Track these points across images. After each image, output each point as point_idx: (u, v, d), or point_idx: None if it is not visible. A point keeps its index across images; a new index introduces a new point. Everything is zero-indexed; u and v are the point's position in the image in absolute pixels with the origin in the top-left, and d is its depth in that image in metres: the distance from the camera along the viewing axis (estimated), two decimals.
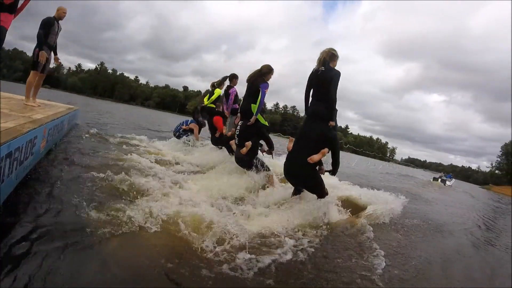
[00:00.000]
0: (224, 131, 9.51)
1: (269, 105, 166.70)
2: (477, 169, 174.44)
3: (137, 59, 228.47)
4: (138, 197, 5.00)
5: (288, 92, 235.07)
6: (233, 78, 9.56)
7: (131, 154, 7.95)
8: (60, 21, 8.38)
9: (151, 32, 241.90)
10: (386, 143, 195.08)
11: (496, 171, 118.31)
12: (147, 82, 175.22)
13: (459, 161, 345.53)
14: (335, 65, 5.42)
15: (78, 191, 4.74)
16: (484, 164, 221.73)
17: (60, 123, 7.87)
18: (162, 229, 4.01)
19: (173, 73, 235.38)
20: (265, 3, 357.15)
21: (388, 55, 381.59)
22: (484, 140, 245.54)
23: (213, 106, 10.15)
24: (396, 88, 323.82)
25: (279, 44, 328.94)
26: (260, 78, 6.93)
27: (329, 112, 5.09)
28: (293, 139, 5.55)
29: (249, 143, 6.66)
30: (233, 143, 7.55)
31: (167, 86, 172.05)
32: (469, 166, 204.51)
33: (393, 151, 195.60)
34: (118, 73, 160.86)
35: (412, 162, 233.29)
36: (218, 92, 10.10)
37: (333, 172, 5.59)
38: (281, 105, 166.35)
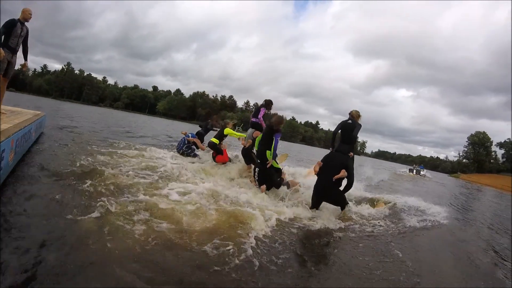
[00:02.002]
0: (243, 142, 10.28)
1: (240, 103, 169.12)
2: (445, 158, 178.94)
3: (105, 58, 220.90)
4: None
5: (259, 91, 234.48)
6: (270, 104, 10.30)
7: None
8: (26, 23, 7.97)
9: (120, 30, 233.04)
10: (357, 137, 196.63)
11: (464, 160, 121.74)
12: (115, 83, 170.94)
13: (427, 152, 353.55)
14: (358, 121, 7.42)
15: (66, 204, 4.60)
16: (452, 154, 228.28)
17: (28, 131, 7.47)
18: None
19: (142, 72, 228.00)
20: (236, 2, 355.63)
21: (358, 53, 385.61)
22: (451, 132, 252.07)
23: (217, 142, 10.41)
24: (365, 84, 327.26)
25: (250, 42, 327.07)
26: (274, 128, 8.01)
27: (350, 148, 7.26)
28: (320, 162, 7.23)
29: (263, 187, 7.83)
30: (253, 180, 8.43)
31: (136, 87, 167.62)
32: (437, 157, 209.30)
33: (363, 144, 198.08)
34: (85, 74, 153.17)
35: (382, 155, 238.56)
36: (227, 131, 10.44)
37: (345, 189, 7.05)
38: (251, 103, 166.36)
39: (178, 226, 4.47)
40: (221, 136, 10.36)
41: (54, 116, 21.40)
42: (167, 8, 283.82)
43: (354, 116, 7.43)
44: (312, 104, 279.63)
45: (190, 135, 12.19)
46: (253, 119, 10.04)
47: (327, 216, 6.68)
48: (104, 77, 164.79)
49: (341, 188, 7.11)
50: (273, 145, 7.84)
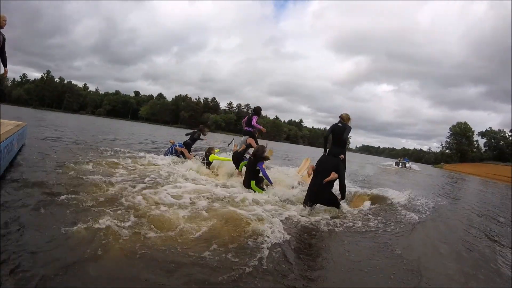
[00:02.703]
0: (235, 147, 10.81)
1: (223, 104, 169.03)
2: (428, 150, 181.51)
3: (85, 65, 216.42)
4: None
5: (241, 91, 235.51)
6: (260, 110, 10.86)
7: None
8: (1, 30, 7.74)
9: (99, 36, 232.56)
10: None
11: (447, 151, 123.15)
12: (96, 89, 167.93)
13: (411, 144, 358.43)
14: (348, 123, 7.59)
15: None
16: (435, 145, 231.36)
17: (10, 143, 7.21)
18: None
19: (123, 78, 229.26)
20: (216, 3, 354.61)
21: (338, 50, 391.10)
22: (432, 124, 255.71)
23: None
24: (346, 81, 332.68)
25: (231, 43, 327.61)
26: (258, 157, 8.25)
27: (342, 151, 7.38)
28: (313, 166, 7.54)
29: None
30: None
31: (117, 92, 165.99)
32: (420, 148, 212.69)
33: (347, 140, 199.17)
34: (65, 82, 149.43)
35: (367, 149, 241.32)
36: (212, 157, 10.58)
37: (342, 196, 7.34)
38: (234, 104, 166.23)
39: (173, 233, 4.43)
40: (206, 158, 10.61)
41: (36, 126, 20.83)
42: (146, 12, 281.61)
43: (345, 119, 7.59)
44: (294, 102, 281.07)
45: (177, 144, 12.23)
46: (246, 128, 10.44)
47: (321, 214, 6.74)
48: (85, 84, 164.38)
49: (337, 186, 7.32)
50: (259, 175, 8.21)
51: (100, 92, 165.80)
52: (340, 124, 7.51)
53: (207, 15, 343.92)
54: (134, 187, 6.55)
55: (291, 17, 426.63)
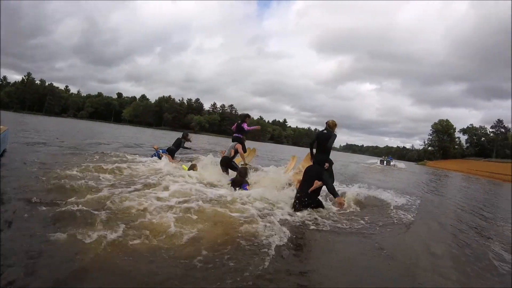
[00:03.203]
0: (222, 153, 10.76)
1: (207, 105, 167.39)
2: (411, 148, 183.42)
3: (66, 66, 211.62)
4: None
5: (225, 91, 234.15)
6: (248, 117, 11.01)
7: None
8: None
9: (81, 36, 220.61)
10: None
11: (429, 148, 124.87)
12: (78, 91, 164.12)
13: (394, 142, 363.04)
14: (334, 130, 7.59)
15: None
16: (417, 143, 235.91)
17: None
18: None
19: (105, 79, 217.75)
20: (198, 2, 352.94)
21: (321, 50, 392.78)
22: (415, 121, 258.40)
23: None
24: (330, 80, 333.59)
25: (214, 43, 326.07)
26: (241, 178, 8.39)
27: (326, 158, 7.40)
28: (298, 172, 8.10)
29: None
30: None
31: (100, 94, 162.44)
32: (403, 146, 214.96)
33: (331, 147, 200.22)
34: (47, 84, 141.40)
35: (350, 148, 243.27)
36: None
37: (334, 196, 7.00)
38: (218, 105, 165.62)
39: (162, 238, 4.33)
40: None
41: (18, 130, 20.25)
42: (129, 11, 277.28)
43: (331, 126, 7.61)
44: (278, 102, 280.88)
45: (161, 151, 12.20)
46: (236, 134, 10.62)
47: (310, 215, 6.70)
48: (67, 86, 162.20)
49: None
50: None
51: (82, 94, 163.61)
52: (325, 131, 7.57)
53: (190, 15, 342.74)
54: (121, 191, 6.37)
55: (275, 16, 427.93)
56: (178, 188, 7.00)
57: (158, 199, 6.07)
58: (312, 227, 5.97)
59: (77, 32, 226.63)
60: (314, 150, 7.73)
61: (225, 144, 41.79)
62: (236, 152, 9.89)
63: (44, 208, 4.86)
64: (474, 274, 4.72)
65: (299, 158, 10.39)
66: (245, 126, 10.47)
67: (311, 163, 7.66)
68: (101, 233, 4.04)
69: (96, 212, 4.81)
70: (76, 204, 5.04)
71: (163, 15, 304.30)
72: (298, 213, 6.65)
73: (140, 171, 9.06)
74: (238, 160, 10.71)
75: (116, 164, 9.46)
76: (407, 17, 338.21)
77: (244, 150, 10.36)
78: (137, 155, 12.49)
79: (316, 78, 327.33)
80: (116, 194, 5.99)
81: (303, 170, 7.88)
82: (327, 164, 7.35)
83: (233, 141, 10.49)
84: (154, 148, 12.44)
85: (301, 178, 7.57)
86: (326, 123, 7.71)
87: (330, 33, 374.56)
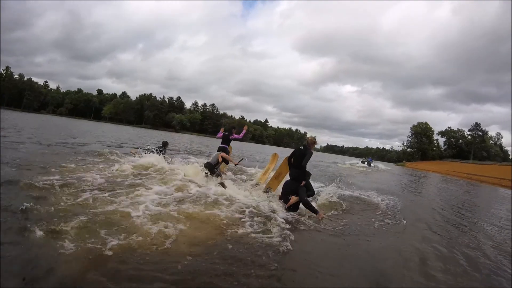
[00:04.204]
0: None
1: (188, 104, 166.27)
2: (390, 149, 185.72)
3: (46, 61, 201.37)
4: None
5: (207, 90, 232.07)
6: (233, 129, 11.47)
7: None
8: None
9: (63, 31, 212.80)
10: (305, 133, 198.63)
11: (408, 149, 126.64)
12: (58, 87, 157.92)
13: (374, 143, 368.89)
14: (313, 148, 7.71)
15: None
16: (397, 144, 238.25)
17: None
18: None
19: (86, 75, 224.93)
20: (183, 1, 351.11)
21: (304, 51, 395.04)
22: (394, 123, 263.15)
23: None
24: (312, 81, 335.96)
25: (198, 41, 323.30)
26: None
27: (301, 174, 7.48)
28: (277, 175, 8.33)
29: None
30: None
31: (80, 90, 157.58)
32: (383, 147, 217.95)
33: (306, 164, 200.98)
34: (25, 78, 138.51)
35: (331, 149, 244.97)
36: None
37: (312, 211, 7.13)
38: (200, 104, 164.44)
39: (147, 241, 4.20)
40: None
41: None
42: (112, 6, 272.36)
43: (309, 143, 7.69)
44: (260, 102, 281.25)
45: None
46: (222, 145, 11.03)
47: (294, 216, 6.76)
48: (46, 82, 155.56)
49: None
50: None
51: (62, 90, 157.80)
52: (302, 148, 7.70)
53: (174, 12, 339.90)
54: (104, 192, 6.19)
55: (259, 16, 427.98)
56: (164, 189, 6.97)
57: (144, 200, 5.92)
58: (296, 227, 6.06)
59: (59, 26, 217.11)
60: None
61: (208, 144, 41.78)
62: (216, 161, 9.87)
63: (22, 207, 4.65)
64: (461, 271, 4.90)
65: (279, 158, 10.38)
66: (233, 136, 10.86)
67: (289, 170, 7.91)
68: (80, 236, 3.97)
69: (76, 214, 4.69)
70: (54, 205, 4.97)
71: (147, 11, 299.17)
72: (283, 214, 6.67)
73: (123, 170, 8.80)
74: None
75: (99, 165, 9.34)
76: (389, 22, 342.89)
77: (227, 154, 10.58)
78: (118, 151, 12.34)
79: (298, 79, 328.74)
80: (98, 196, 5.82)
81: (281, 174, 8.45)
82: (303, 182, 7.45)
83: (218, 150, 10.67)
84: (132, 153, 12.09)
85: (277, 180, 8.13)
86: (305, 139, 7.88)
87: (313, 35, 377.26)
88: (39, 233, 3.88)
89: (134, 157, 11.40)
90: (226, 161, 10.31)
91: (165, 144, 12.55)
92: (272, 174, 9.21)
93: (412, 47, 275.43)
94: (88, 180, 7.00)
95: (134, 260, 3.64)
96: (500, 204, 18.01)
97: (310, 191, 7.58)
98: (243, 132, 11.46)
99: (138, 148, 12.01)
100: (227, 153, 10.56)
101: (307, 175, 7.66)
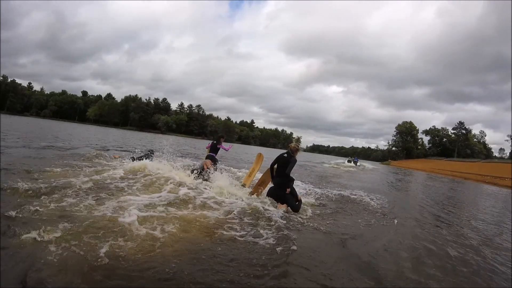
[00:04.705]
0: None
1: (174, 105, 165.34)
2: (375, 148, 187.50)
3: (30, 62, 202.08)
4: None
5: (193, 91, 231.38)
6: (223, 137, 11.28)
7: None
8: None
9: (47, 31, 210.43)
10: (291, 133, 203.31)
11: (393, 148, 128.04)
12: (42, 89, 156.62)
13: (359, 143, 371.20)
14: (296, 155, 7.63)
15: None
16: (382, 143, 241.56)
17: None
18: None
19: (70, 76, 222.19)
20: (170, 1, 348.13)
21: (290, 52, 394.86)
22: (380, 123, 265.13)
23: None
24: (297, 82, 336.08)
25: (184, 42, 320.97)
26: None
27: (286, 182, 7.31)
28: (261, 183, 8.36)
29: None
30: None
31: (64, 92, 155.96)
32: (368, 147, 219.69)
33: (298, 140, 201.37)
34: (9, 80, 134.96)
35: (317, 148, 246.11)
36: None
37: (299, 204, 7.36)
38: (186, 105, 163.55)
39: (135, 245, 4.06)
40: None
41: None
42: (98, 6, 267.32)
43: (292, 150, 7.63)
44: (246, 103, 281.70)
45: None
46: (210, 153, 10.86)
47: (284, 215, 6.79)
48: (30, 83, 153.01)
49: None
50: None
51: (46, 92, 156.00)
52: (285, 155, 7.61)
53: (160, 13, 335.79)
54: (91, 196, 5.98)
55: (246, 17, 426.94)
56: (150, 192, 6.86)
57: (132, 204, 5.70)
58: (289, 227, 6.04)
59: (43, 26, 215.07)
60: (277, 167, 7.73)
61: (196, 145, 41.59)
62: (202, 168, 9.88)
63: (5, 214, 4.47)
64: (450, 267, 5.00)
65: (266, 160, 10.36)
66: (222, 146, 10.85)
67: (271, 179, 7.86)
68: (66, 244, 3.79)
69: (62, 218, 4.59)
70: (42, 211, 4.82)
71: (132, 12, 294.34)
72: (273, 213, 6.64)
73: (110, 175, 8.33)
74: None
75: (85, 168, 9.03)
76: (375, 23, 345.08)
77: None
78: (107, 154, 12.23)
79: (284, 80, 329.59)
80: (84, 200, 5.65)
81: (265, 182, 8.50)
82: (288, 189, 7.30)
83: (206, 158, 10.72)
84: (114, 158, 11.94)
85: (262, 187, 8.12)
86: (289, 146, 7.80)
87: (299, 36, 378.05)
88: (24, 240, 3.77)
89: (119, 161, 11.26)
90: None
91: (151, 151, 12.47)
92: (258, 175, 9.27)
93: (398, 48, 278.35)
94: (75, 185, 6.72)
95: (122, 265, 3.54)
96: (484, 201, 18.40)
97: (298, 202, 7.36)
98: (230, 147, 11.47)
99: (130, 156, 11.61)
100: (215, 162, 10.53)
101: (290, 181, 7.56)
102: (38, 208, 4.88)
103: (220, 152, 10.89)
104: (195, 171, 9.05)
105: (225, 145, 11.02)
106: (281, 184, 7.37)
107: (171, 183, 7.88)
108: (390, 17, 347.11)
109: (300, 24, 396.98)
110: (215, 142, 10.91)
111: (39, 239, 3.82)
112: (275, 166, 7.72)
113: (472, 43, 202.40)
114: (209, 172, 9.10)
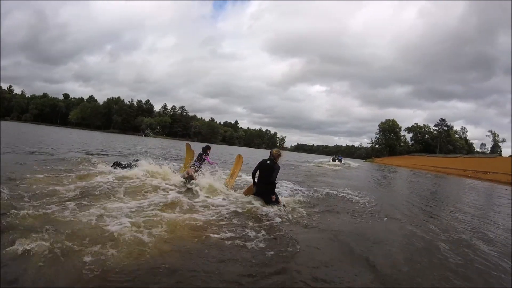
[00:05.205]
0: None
1: (157, 107, 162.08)
2: (359, 146, 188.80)
3: (10, 64, 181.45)
4: None
5: (176, 92, 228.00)
6: (208, 149, 11.06)
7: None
8: None
9: (28, 32, 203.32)
10: (275, 133, 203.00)
11: (377, 146, 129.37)
12: (22, 92, 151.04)
13: (343, 141, 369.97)
14: (278, 161, 7.64)
15: None
16: (365, 141, 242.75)
17: None
18: None
19: (52, 79, 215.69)
20: (152, 1, 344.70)
21: (274, 52, 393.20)
22: (363, 121, 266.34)
23: None
24: (281, 81, 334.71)
25: (167, 43, 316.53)
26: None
27: (271, 190, 7.41)
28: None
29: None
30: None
31: (45, 95, 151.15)
32: (352, 145, 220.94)
33: (282, 140, 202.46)
34: None
35: (301, 148, 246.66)
36: None
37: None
38: (169, 106, 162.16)
39: (122, 250, 3.99)
40: None
41: None
42: (80, 6, 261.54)
43: (275, 156, 7.64)
44: (230, 103, 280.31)
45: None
46: (196, 163, 10.79)
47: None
48: (10, 86, 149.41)
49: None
50: None
51: (27, 95, 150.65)
52: (268, 162, 7.59)
53: (143, 13, 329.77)
54: (76, 203, 5.85)
55: (229, 17, 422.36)
56: (136, 197, 6.82)
57: (117, 210, 5.64)
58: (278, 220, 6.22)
59: (24, 27, 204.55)
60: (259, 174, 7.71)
61: (181, 147, 41.21)
62: (190, 176, 9.81)
63: None
64: (443, 258, 5.14)
65: (251, 160, 10.29)
66: (208, 159, 10.82)
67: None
68: (48, 253, 3.69)
69: (44, 226, 4.45)
70: (25, 219, 4.68)
71: (115, 12, 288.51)
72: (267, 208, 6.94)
73: (96, 180, 8.19)
74: None
75: (69, 174, 8.82)
76: (358, 23, 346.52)
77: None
78: (95, 158, 12.11)
79: (268, 80, 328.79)
80: (69, 207, 5.56)
81: (251, 190, 8.16)
82: (273, 197, 7.38)
83: (191, 166, 10.68)
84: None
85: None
86: (270, 152, 7.79)
87: (282, 36, 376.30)
88: (7, 249, 3.65)
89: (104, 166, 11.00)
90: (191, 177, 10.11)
91: (135, 160, 12.37)
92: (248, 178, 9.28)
93: (380, 48, 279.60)
94: (59, 191, 6.62)
95: (109, 273, 3.44)
96: (468, 194, 18.73)
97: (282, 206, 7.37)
98: (214, 163, 11.26)
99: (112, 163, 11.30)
100: (197, 170, 10.36)
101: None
102: (21, 215, 4.74)
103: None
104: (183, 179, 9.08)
105: (210, 158, 10.98)
106: (267, 192, 7.41)
107: (158, 187, 7.98)
108: (372, 18, 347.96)
109: (284, 24, 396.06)
110: (201, 152, 10.89)
111: (21, 248, 3.69)
112: (258, 172, 7.69)
113: (453, 43, 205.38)
114: (193, 177, 9.09)
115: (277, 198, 7.49)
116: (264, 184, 7.47)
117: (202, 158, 10.64)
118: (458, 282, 4.24)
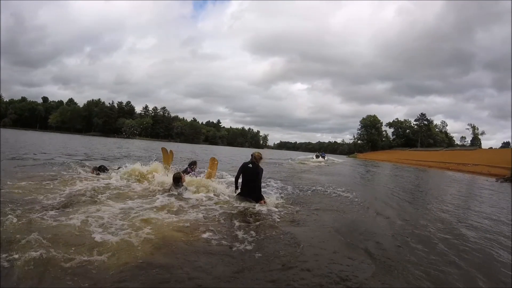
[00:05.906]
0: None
1: (138, 108, 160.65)
2: (341, 142, 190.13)
3: None
4: None
5: (158, 93, 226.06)
6: (194, 165, 11.22)
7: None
8: None
9: (5, 35, 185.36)
10: (258, 131, 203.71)
11: (359, 141, 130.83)
12: (0, 96, 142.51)
13: (325, 137, 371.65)
14: (260, 162, 7.55)
15: None
16: (347, 137, 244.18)
17: None
18: None
19: (30, 82, 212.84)
20: (132, 2, 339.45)
21: (255, 51, 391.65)
22: (344, 118, 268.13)
23: None
24: (262, 80, 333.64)
25: (147, 44, 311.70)
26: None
27: (259, 195, 7.42)
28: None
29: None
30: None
31: (24, 99, 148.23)
32: (334, 141, 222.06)
33: (265, 138, 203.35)
34: None
35: (284, 145, 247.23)
36: None
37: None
38: (150, 108, 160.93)
39: (109, 255, 3.90)
40: None
41: None
42: (58, 8, 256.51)
43: (256, 159, 7.53)
44: (212, 103, 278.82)
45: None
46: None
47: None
48: None
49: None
50: None
51: (5, 100, 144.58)
52: (250, 165, 7.47)
53: (122, 13, 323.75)
54: (60, 209, 5.75)
55: (210, 17, 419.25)
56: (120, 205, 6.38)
57: (102, 216, 5.44)
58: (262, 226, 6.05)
59: (1, 29, 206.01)
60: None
61: (167, 148, 40.76)
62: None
63: None
64: (439, 249, 5.29)
65: (236, 160, 10.23)
66: (192, 172, 10.77)
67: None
68: (33, 260, 3.57)
69: (25, 233, 4.30)
70: (7, 228, 4.54)
71: (94, 13, 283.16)
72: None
73: (80, 186, 8.02)
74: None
75: (52, 180, 8.65)
76: (338, 22, 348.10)
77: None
78: (77, 164, 11.96)
79: (249, 79, 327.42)
80: (50, 214, 5.40)
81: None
82: (262, 201, 7.32)
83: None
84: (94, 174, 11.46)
85: None
86: (252, 155, 7.65)
87: (263, 36, 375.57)
88: None
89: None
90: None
91: (119, 167, 12.22)
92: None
93: (360, 45, 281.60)
94: (43, 198, 6.50)
95: (97, 277, 3.39)
96: (449, 187, 19.05)
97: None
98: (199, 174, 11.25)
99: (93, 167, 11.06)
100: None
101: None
102: (3, 224, 4.65)
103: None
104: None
105: (197, 172, 11.01)
106: (255, 197, 7.36)
107: (145, 189, 8.09)
108: (352, 17, 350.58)
109: (264, 24, 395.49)
110: (187, 167, 11.03)
111: (4, 256, 3.58)
112: (241, 176, 7.60)
113: (431, 39, 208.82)
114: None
115: (264, 200, 7.43)
116: (250, 187, 7.41)
117: (187, 171, 10.64)
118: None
